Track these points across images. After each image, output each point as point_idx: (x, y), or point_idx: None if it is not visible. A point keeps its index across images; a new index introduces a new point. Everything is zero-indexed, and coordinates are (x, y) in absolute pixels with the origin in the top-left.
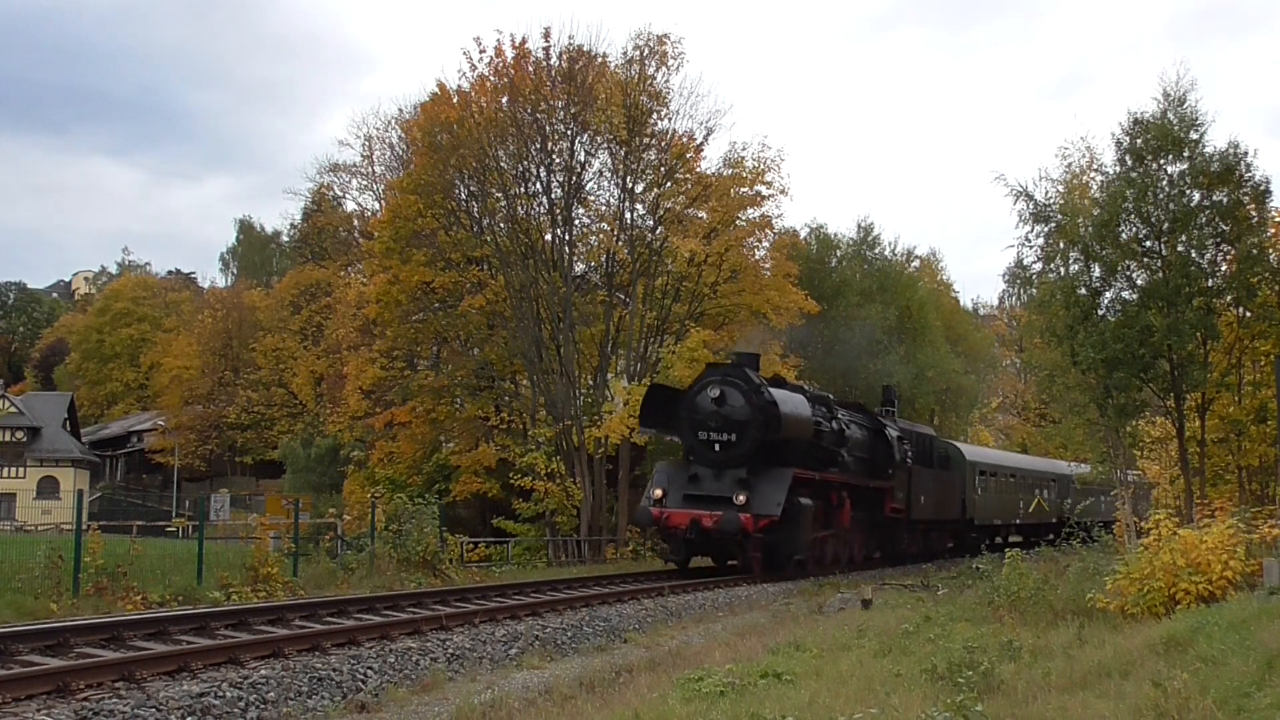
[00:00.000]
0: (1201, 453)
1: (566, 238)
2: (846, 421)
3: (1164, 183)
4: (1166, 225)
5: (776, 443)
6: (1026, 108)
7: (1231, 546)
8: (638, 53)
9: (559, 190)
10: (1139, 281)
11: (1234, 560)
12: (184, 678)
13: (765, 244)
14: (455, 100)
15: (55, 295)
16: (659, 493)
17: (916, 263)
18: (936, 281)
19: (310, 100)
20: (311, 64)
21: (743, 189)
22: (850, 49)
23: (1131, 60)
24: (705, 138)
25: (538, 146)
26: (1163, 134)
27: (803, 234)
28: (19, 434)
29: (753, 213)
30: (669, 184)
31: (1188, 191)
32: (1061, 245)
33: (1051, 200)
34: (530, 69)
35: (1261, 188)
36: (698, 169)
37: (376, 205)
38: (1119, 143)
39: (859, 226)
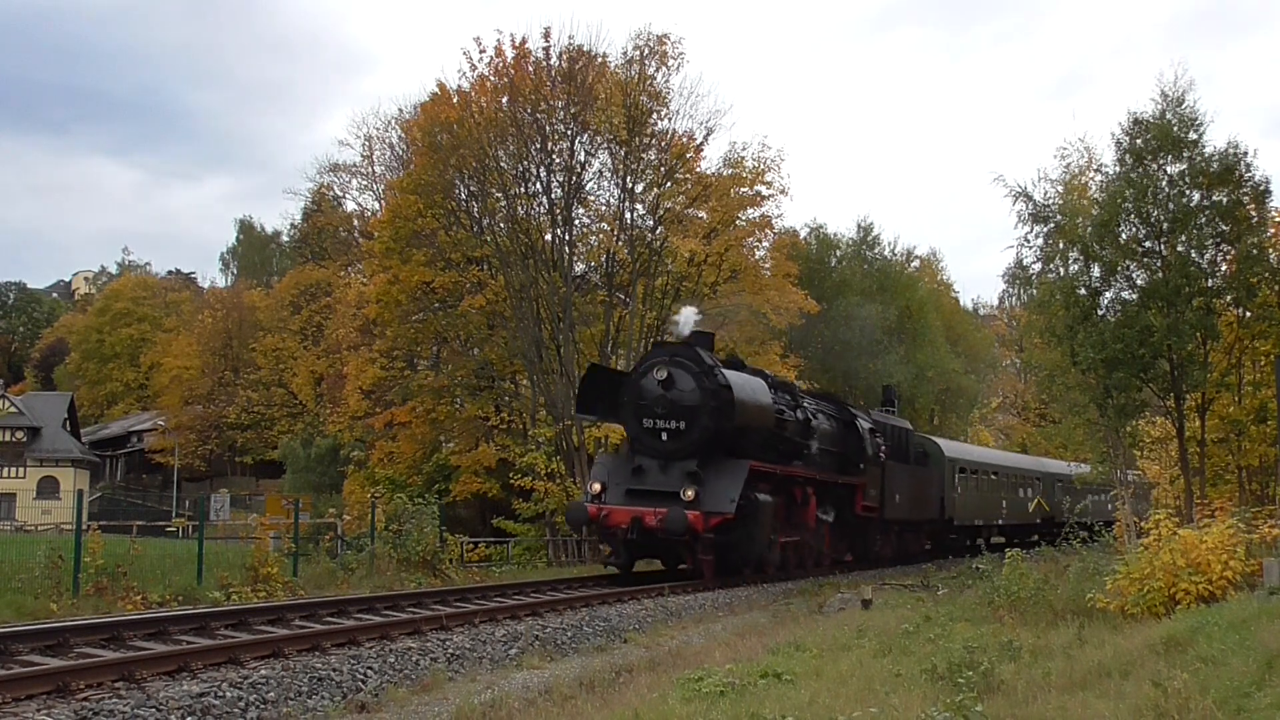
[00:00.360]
0: (1201, 453)
1: (566, 238)
2: (813, 411)
3: (1163, 183)
4: (1166, 225)
5: (731, 432)
6: (1026, 108)
7: (1231, 546)
8: (638, 53)
9: (559, 190)
10: (1139, 281)
11: (1234, 560)
12: (184, 678)
13: (765, 244)
14: (455, 100)
15: (55, 295)
16: (596, 487)
17: (916, 263)
18: (936, 281)
19: (310, 100)
20: (311, 64)
21: (743, 189)
22: (849, 49)
23: (1131, 60)
24: (705, 138)
25: (538, 146)
26: (1162, 134)
27: (803, 234)
28: (19, 434)
29: (753, 213)
30: (669, 184)
31: (1187, 192)
32: (1061, 245)
33: (1051, 201)
34: (530, 69)
35: (1261, 188)
36: (698, 169)
37: (376, 205)
38: (1119, 143)
39: (859, 226)
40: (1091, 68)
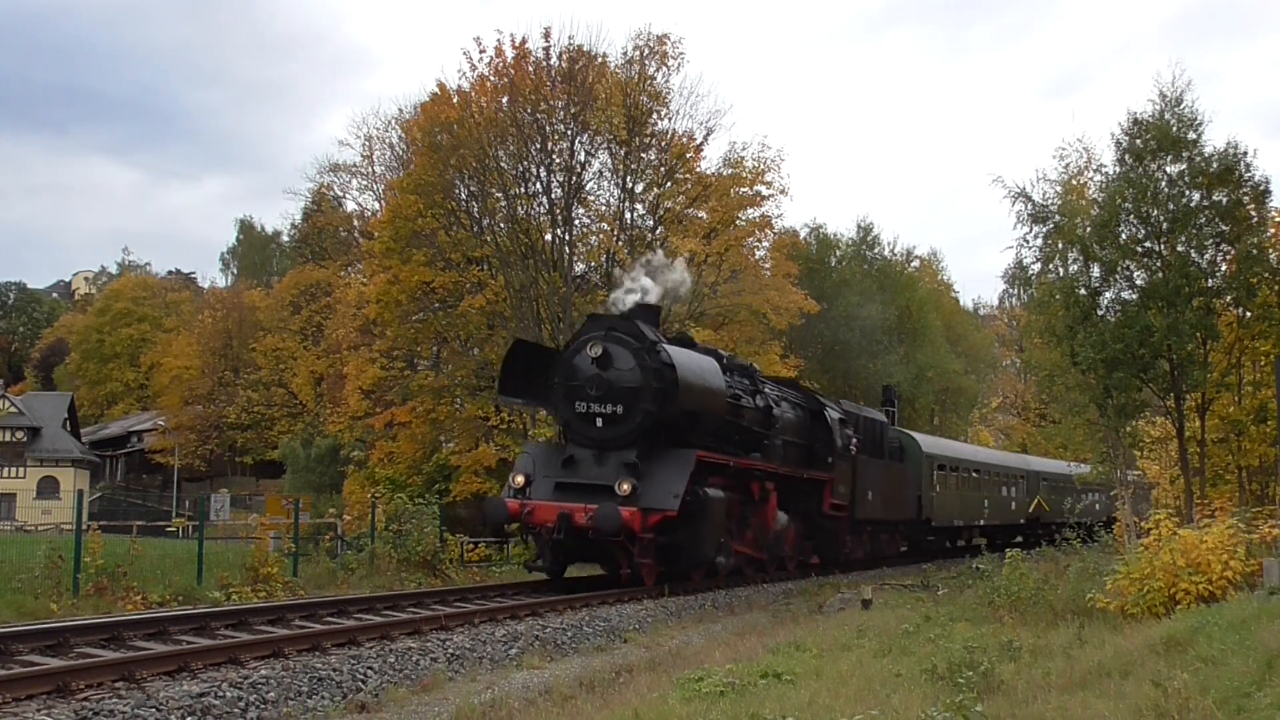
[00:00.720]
0: (1201, 453)
1: (566, 238)
2: (775, 398)
3: (1163, 183)
4: (1166, 225)
5: (677, 418)
6: (1025, 108)
7: (1231, 546)
8: (638, 53)
9: (559, 190)
10: (1139, 281)
11: (1234, 560)
12: (184, 678)
13: (765, 244)
14: (455, 100)
15: (55, 295)
16: (520, 480)
17: (916, 263)
18: (936, 281)
19: (310, 100)
20: (311, 64)
21: (742, 189)
22: (849, 49)
23: (1130, 60)
24: (705, 138)
25: (538, 146)
26: (1161, 134)
27: (803, 234)
28: (19, 434)
29: (752, 213)
30: (669, 184)
31: (1187, 192)
32: (1060, 246)
33: (1050, 201)
34: (530, 69)
35: (1261, 188)
36: (698, 169)
37: (376, 205)
38: (1118, 143)
39: (859, 226)
40: (1091, 68)
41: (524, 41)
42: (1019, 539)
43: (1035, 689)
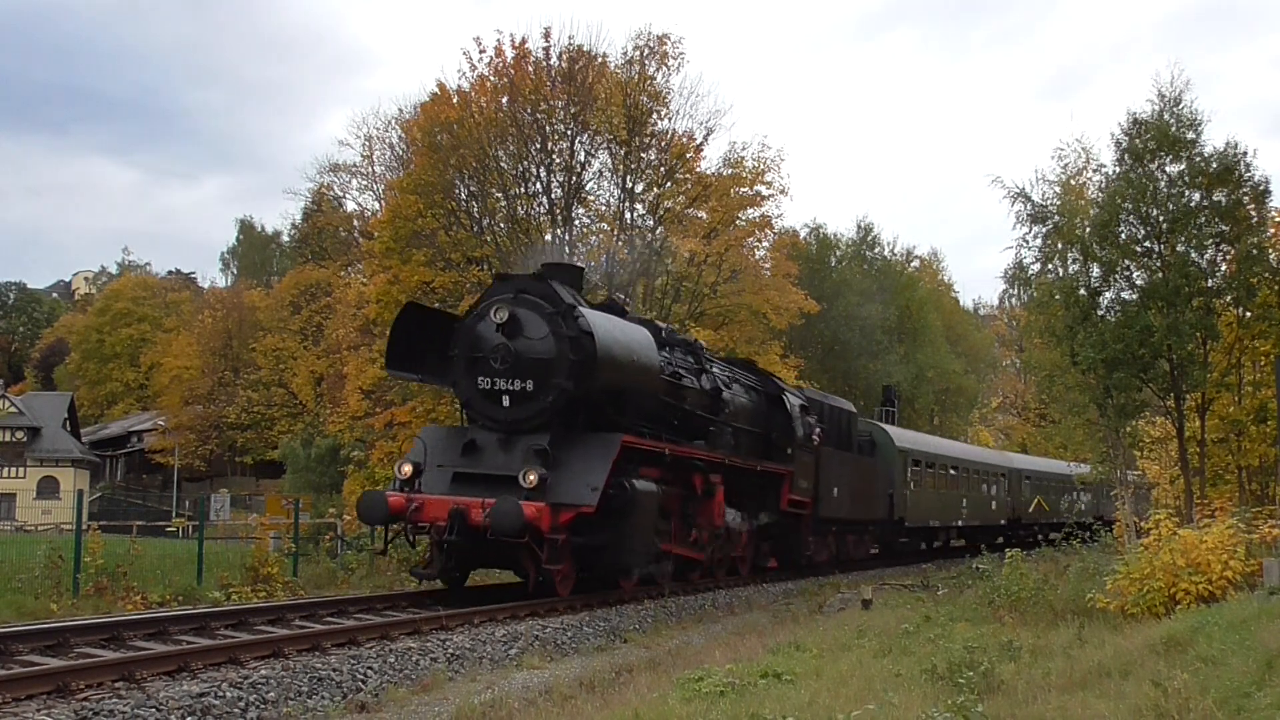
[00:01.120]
0: (1201, 453)
1: (566, 238)
2: (725, 379)
3: (1163, 183)
4: (1166, 225)
5: (599, 397)
6: (1024, 108)
7: (1231, 546)
8: (638, 53)
9: (559, 190)
10: (1138, 281)
11: (1234, 560)
12: (184, 678)
13: (765, 244)
14: (455, 100)
15: (55, 295)
16: (407, 470)
17: (916, 263)
18: (936, 281)
19: (310, 100)
20: (311, 63)
21: (742, 189)
22: (849, 49)
23: (1129, 60)
24: (705, 138)
25: (538, 146)
26: (1160, 134)
27: (802, 234)
28: (19, 434)
29: (752, 213)
30: (669, 184)
31: (1187, 192)
32: (1060, 246)
33: (1049, 201)
34: (530, 69)
35: (1261, 188)
36: (698, 169)
37: (376, 205)
38: (1118, 143)
39: (858, 226)
40: (1090, 68)
41: (524, 41)
42: (1000, 540)
43: (1035, 689)
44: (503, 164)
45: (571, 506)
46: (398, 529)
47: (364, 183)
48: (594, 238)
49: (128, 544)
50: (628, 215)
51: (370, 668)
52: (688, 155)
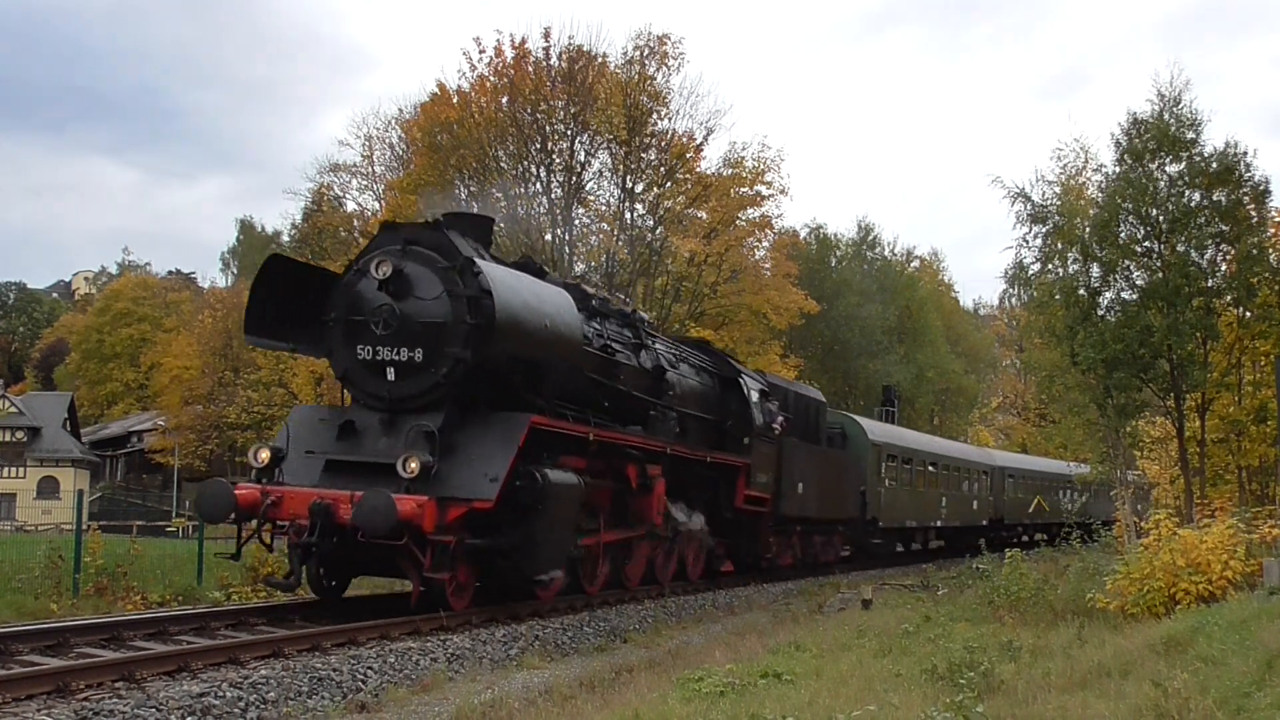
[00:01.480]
0: (1201, 453)
1: (566, 238)
2: (671, 358)
3: (1162, 183)
4: (1165, 225)
5: (506, 370)
6: (1024, 107)
7: (1231, 546)
8: (638, 53)
9: (559, 190)
10: (1138, 281)
11: (1234, 560)
12: (184, 678)
13: (765, 244)
14: (455, 100)
15: (55, 295)
16: (265, 456)
17: (916, 263)
18: (937, 281)
19: (310, 100)
20: (311, 63)
21: (743, 189)
22: (848, 49)
23: (1129, 60)
24: (705, 138)
25: (538, 146)
26: (1160, 134)
27: (803, 234)
28: (19, 434)
29: (753, 213)
30: (669, 184)
31: (1186, 192)
32: (1060, 246)
33: (1049, 201)
34: (530, 69)
35: (1261, 188)
36: (698, 169)
37: (376, 205)
38: (1118, 143)
39: (859, 226)
40: (1089, 68)
41: (524, 41)
42: (981, 541)
43: (1035, 689)
44: (503, 164)
45: (463, 501)
46: (252, 529)
47: (364, 183)
48: (594, 238)
49: (128, 544)
50: (628, 215)
51: (370, 668)
52: (688, 155)
